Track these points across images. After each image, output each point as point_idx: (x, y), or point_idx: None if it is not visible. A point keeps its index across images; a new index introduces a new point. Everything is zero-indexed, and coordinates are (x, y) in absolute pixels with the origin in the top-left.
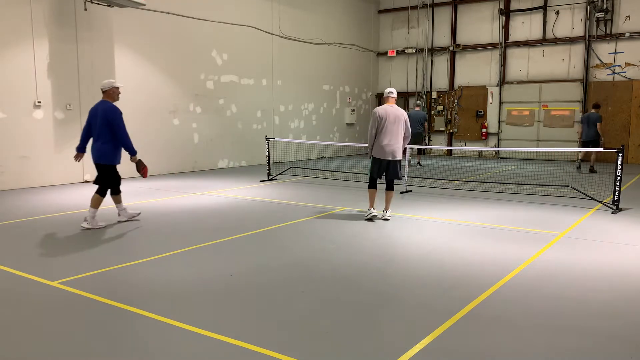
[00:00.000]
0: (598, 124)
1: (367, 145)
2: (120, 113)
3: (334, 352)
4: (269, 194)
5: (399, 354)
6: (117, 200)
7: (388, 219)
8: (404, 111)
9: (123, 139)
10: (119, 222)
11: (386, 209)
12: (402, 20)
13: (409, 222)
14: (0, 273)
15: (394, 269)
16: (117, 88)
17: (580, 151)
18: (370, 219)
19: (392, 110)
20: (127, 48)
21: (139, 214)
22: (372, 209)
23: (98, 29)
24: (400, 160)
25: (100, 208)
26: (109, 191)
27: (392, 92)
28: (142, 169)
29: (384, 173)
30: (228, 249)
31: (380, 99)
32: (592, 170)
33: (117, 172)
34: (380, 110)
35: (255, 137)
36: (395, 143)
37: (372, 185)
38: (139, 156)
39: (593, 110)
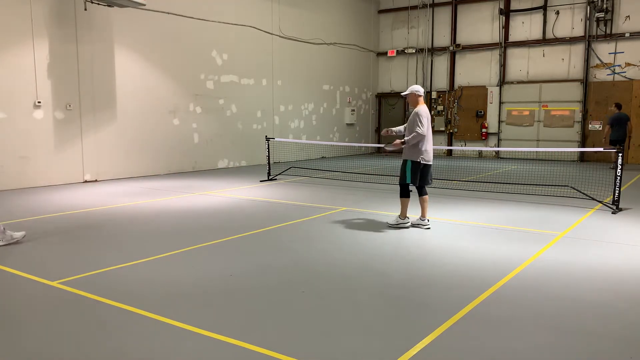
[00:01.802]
0: (628, 122)
1: (365, 144)
2: None
3: (334, 352)
4: (269, 194)
5: (399, 354)
6: None
7: (429, 227)
8: None
9: None
10: None
11: (425, 216)
12: (402, 20)
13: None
14: (0, 273)
15: (394, 269)
16: None
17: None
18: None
19: (428, 112)
20: (127, 48)
21: None
22: (407, 217)
23: (98, 29)
24: None
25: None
26: None
27: (422, 92)
28: None
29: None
30: (228, 249)
31: (381, 99)
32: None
33: None
34: (426, 112)
35: (255, 137)
36: (432, 145)
37: (408, 194)
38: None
39: (620, 111)
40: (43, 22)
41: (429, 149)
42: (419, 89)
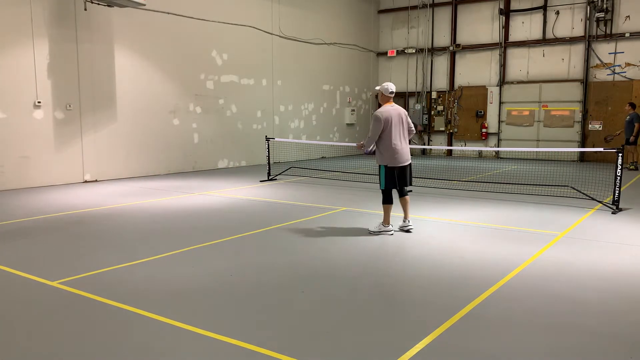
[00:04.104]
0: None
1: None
2: None
3: (334, 352)
4: (269, 194)
5: (399, 354)
6: None
7: (412, 228)
8: (402, 108)
9: None
10: None
11: (407, 217)
12: (402, 20)
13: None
14: (0, 273)
15: (394, 268)
16: None
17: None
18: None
19: (394, 111)
20: (127, 48)
21: None
22: (391, 225)
23: (98, 29)
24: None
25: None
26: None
27: (393, 92)
28: None
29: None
30: (228, 249)
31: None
32: (636, 168)
33: None
34: (385, 113)
35: (255, 137)
36: (406, 145)
37: (389, 200)
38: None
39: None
40: (43, 22)
41: (400, 151)
42: (387, 90)
